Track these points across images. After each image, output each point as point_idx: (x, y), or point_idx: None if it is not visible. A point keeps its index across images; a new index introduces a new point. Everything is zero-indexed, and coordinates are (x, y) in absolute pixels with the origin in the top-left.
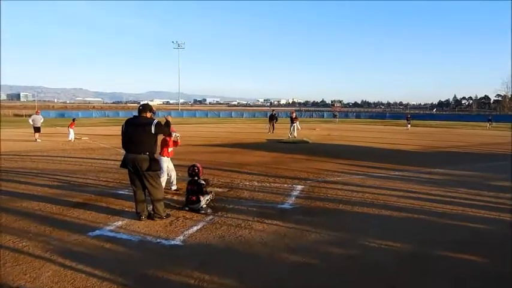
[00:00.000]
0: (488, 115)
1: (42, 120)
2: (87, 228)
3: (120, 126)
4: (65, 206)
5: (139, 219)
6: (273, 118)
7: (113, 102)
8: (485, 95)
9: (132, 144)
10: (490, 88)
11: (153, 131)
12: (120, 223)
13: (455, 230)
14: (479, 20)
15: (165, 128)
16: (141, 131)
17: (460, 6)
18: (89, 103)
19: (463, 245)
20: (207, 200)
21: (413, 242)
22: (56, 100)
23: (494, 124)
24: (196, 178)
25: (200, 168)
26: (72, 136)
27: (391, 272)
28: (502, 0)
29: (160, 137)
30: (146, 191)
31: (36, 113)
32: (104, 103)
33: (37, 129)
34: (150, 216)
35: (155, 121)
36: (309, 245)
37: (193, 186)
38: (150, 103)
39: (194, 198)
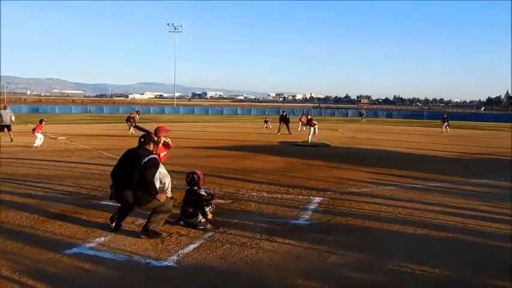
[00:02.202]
0: None
1: (13, 116)
2: (63, 244)
3: (105, 124)
4: (38, 218)
5: (109, 225)
6: (284, 120)
7: (96, 96)
8: None
9: (120, 178)
10: None
11: (142, 163)
12: (102, 239)
13: (504, 254)
14: None
15: (153, 170)
16: (133, 165)
17: None
18: (68, 96)
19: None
20: (209, 209)
21: (454, 267)
22: (28, 92)
23: None
24: (195, 188)
25: (201, 176)
26: (39, 142)
27: None
28: None
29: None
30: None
31: (4, 107)
32: (85, 96)
33: (6, 127)
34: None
35: (150, 156)
36: (327, 269)
37: (192, 197)
38: (141, 96)
39: (191, 210)
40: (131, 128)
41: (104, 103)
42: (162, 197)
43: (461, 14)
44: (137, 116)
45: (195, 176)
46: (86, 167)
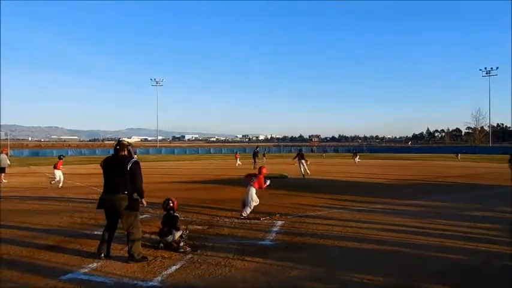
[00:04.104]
0: (457, 148)
1: (8, 161)
2: (59, 271)
3: (98, 164)
4: (35, 248)
5: (98, 257)
6: (256, 154)
7: (90, 140)
8: (457, 128)
9: (110, 184)
10: (461, 121)
11: (128, 168)
12: (95, 265)
13: (434, 262)
14: (448, 60)
15: (139, 171)
16: (120, 170)
17: (429, 50)
18: (64, 141)
19: (443, 276)
20: (180, 236)
21: (395, 275)
22: (30, 138)
23: (461, 156)
24: (171, 212)
25: (175, 202)
26: (59, 178)
27: None
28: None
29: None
30: (119, 231)
31: (3, 152)
32: (80, 141)
33: (1, 170)
34: (108, 256)
35: (133, 160)
36: (290, 281)
37: (167, 219)
38: (128, 140)
39: (166, 229)
40: None
41: (96, 146)
42: (145, 202)
43: (384, 74)
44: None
45: (170, 201)
46: (81, 202)
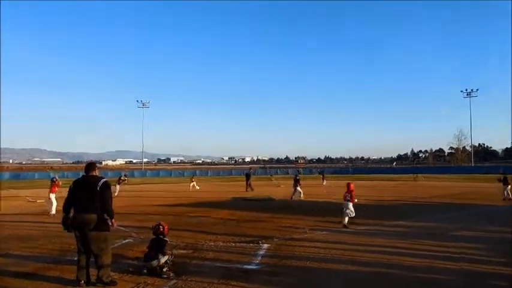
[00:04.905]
0: (416, 168)
1: None
2: None
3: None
4: (13, 277)
5: (78, 285)
6: (248, 176)
7: (73, 162)
8: (440, 148)
9: (80, 203)
10: (444, 142)
11: (98, 189)
12: None
13: (421, 283)
14: (429, 79)
15: (109, 192)
16: (89, 190)
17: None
18: (47, 163)
19: None
20: (166, 261)
21: None
22: (11, 161)
23: (420, 175)
24: (161, 236)
25: (166, 227)
26: (53, 205)
27: None
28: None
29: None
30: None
31: None
32: (63, 163)
33: None
34: (89, 283)
35: (103, 180)
36: None
37: (156, 243)
38: (113, 163)
39: (153, 253)
40: (118, 186)
41: (80, 169)
42: (114, 223)
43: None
44: (125, 178)
45: (161, 226)
46: (59, 226)
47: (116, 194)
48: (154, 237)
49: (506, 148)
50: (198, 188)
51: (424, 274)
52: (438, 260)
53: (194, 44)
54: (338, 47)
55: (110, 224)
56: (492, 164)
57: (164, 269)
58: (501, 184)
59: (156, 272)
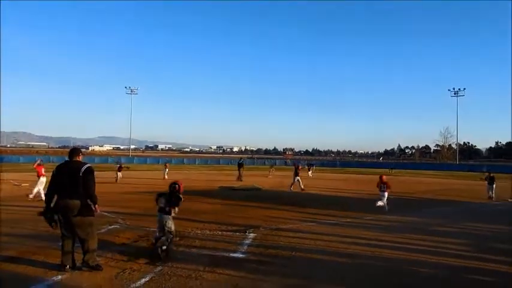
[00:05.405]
0: (390, 164)
1: None
2: (20, 285)
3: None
4: None
5: (64, 270)
6: (240, 166)
7: (59, 147)
8: (426, 145)
9: (64, 189)
10: (430, 139)
11: (81, 174)
12: (59, 277)
13: (403, 275)
14: (417, 79)
15: (92, 177)
16: (72, 176)
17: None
18: (32, 147)
19: None
20: (167, 238)
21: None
22: None
23: (394, 171)
24: (176, 193)
25: (181, 186)
26: (40, 187)
27: None
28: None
29: (98, 179)
30: (77, 239)
31: None
32: (49, 147)
33: None
34: (75, 267)
35: (86, 166)
36: None
37: (171, 198)
38: (100, 148)
39: (168, 209)
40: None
41: (66, 154)
42: (98, 209)
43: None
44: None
45: (177, 185)
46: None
47: (117, 181)
48: (168, 192)
49: (490, 147)
50: (166, 177)
51: (406, 266)
52: (420, 254)
53: (184, 32)
54: (328, 39)
55: (94, 209)
56: (476, 162)
57: (163, 247)
58: (486, 182)
59: (161, 240)
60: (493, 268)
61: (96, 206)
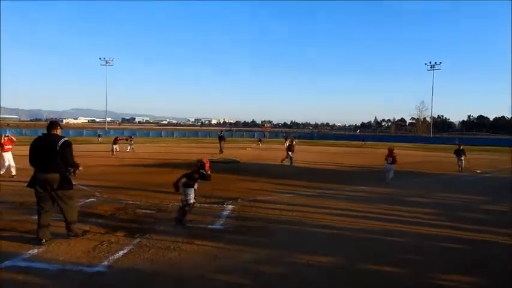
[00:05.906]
0: (364, 136)
1: None
2: None
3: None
4: None
5: (40, 243)
6: (221, 139)
7: (31, 120)
8: (402, 118)
9: (41, 163)
10: (406, 112)
11: (58, 148)
12: (35, 251)
13: (376, 244)
14: (397, 56)
15: (69, 150)
16: (49, 149)
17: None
18: (3, 120)
19: (381, 256)
20: (185, 206)
21: (338, 257)
22: None
23: (368, 143)
24: (201, 170)
25: (206, 163)
26: (8, 163)
27: (320, 287)
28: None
29: (76, 153)
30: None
31: None
32: (20, 121)
33: None
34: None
35: (63, 139)
36: (240, 265)
37: (197, 175)
38: (75, 121)
39: (192, 183)
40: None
41: (39, 127)
42: (81, 167)
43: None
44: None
45: (202, 162)
46: (21, 185)
47: (113, 154)
48: (196, 169)
49: (463, 120)
50: (128, 150)
51: (379, 236)
52: (393, 223)
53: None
54: (311, 12)
55: (78, 170)
56: (450, 135)
57: (186, 208)
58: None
59: (186, 207)
60: (462, 236)
61: (80, 168)
